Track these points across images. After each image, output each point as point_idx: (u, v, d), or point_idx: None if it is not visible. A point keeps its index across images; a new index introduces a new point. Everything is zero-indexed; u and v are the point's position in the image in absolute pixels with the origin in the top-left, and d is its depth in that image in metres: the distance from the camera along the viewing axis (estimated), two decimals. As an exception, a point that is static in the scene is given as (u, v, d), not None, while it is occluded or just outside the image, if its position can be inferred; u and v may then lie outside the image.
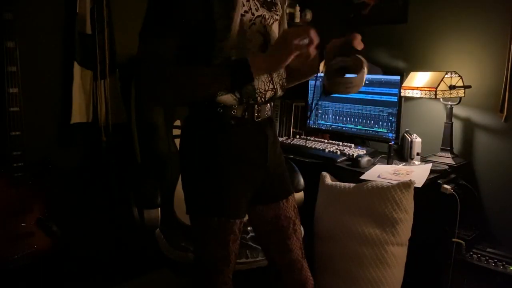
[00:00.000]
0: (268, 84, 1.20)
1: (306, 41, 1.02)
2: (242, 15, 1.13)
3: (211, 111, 1.16)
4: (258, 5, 1.18)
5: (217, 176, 1.17)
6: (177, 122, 2.05)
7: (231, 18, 1.10)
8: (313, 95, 2.11)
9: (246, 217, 1.32)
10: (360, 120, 2.25)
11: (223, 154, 1.17)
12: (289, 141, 2.37)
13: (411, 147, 2.01)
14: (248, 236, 1.82)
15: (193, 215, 1.22)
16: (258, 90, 1.18)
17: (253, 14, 1.15)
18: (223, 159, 1.17)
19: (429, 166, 1.89)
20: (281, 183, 1.34)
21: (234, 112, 1.17)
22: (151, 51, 1.07)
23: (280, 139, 2.42)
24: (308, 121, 2.47)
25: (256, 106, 1.19)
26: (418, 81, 1.99)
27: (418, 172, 1.83)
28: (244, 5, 1.13)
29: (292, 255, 1.34)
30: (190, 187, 1.22)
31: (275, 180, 1.31)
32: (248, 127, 1.20)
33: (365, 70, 1.16)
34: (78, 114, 1.98)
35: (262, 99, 1.20)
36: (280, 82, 1.26)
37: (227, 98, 1.14)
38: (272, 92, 1.22)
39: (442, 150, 2.04)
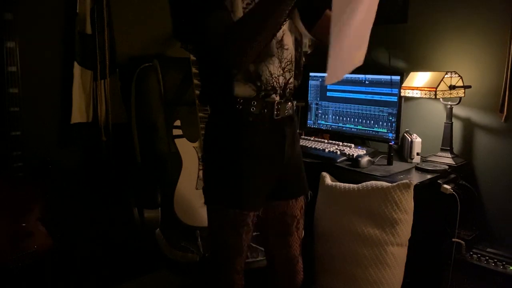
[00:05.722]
0: (278, 69, 1.23)
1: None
2: (244, 8, 1.16)
3: (231, 108, 1.20)
4: None
5: (235, 171, 1.22)
6: (177, 122, 2.05)
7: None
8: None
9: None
10: (360, 120, 2.25)
11: (241, 151, 1.22)
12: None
13: (411, 147, 2.01)
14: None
15: (211, 205, 1.29)
16: (273, 76, 1.21)
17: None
18: (241, 155, 1.22)
19: None
20: (296, 182, 1.39)
21: (252, 109, 1.20)
22: (213, 24, 1.09)
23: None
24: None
25: (275, 104, 1.23)
26: (418, 81, 1.99)
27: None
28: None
29: (290, 250, 1.42)
30: (210, 179, 1.28)
31: (291, 178, 1.36)
32: (266, 126, 1.23)
33: None
34: (78, 114, 1.98)
35: (277, 84, 1.23)
36: (290, 72, 1.28)
37: (246, 89, 1.18)
38: (283, 78, 1.25)
39: (442, 150, 2.04)
